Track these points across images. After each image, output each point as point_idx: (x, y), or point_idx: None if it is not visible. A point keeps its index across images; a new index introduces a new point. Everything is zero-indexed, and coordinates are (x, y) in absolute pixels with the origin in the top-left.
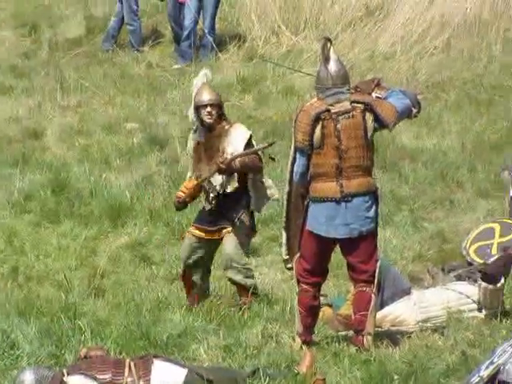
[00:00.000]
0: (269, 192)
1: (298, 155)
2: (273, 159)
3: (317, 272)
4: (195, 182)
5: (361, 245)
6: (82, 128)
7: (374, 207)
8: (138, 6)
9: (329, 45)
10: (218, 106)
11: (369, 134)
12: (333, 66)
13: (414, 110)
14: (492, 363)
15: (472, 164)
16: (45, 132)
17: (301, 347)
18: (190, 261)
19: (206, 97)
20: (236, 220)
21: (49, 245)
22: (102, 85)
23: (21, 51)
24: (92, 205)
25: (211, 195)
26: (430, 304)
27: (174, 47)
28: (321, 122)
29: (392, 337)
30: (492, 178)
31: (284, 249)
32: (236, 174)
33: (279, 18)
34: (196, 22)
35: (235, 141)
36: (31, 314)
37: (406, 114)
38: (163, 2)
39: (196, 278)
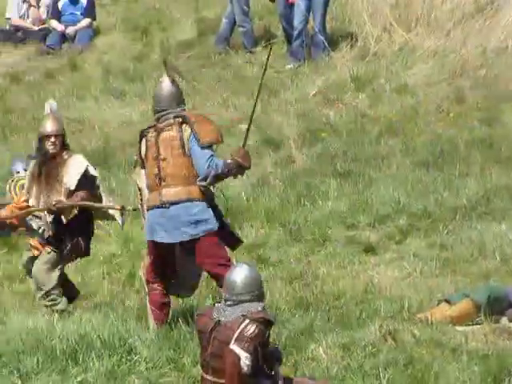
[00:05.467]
0: (111, 210)
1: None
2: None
3: (160, 274)
4: (23, 211)
5: (193, 248)
6: None
7: (199, 214)
8: (249, 7)
9: (163, 66)
10: (62, 135)
11: (186, 145)
12: (164, 88)
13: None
14: None
15: None
16: None
17: None
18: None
19: (50, 128)
20: (66, 246)
21: None
22: (216, 87)
23: (132, 55)
24: None
25: (49, 219)
26: None
27: (287, 47)
28: (145, 137)
29: (510, 331)
30: None
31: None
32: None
33: (391, 15)
34: (306, 22)
35: (71, 171)
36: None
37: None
38: (274, 3)
39: None
